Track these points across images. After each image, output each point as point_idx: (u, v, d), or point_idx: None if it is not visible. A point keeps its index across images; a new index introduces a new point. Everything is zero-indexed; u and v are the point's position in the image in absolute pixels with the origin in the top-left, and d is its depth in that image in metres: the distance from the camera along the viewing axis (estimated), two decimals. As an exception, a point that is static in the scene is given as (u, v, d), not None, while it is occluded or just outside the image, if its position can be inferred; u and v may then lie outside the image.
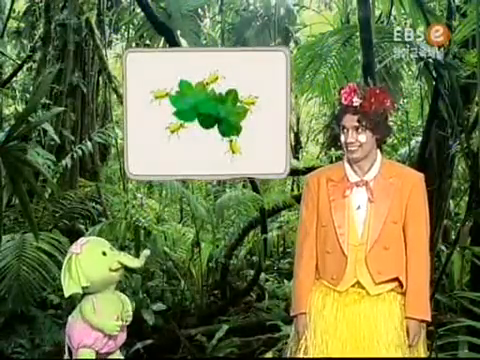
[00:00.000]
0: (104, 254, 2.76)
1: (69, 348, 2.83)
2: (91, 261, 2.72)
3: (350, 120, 2.50)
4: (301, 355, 2.60)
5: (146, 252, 2.87)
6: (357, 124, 2.48)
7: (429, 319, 2.56)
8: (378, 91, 2.54)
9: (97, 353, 2.78)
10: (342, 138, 2.54)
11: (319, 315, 2.57)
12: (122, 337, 2.86)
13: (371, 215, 2.53)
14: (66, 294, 2.72)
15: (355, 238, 2.54)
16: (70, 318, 2.84)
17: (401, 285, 2.56)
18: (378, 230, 2.51)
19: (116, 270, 2.76)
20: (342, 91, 2.54)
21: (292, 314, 2.68)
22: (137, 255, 6.15)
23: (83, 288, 2.70)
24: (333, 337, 2.52)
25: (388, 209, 2.53)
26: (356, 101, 2.49)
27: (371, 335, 2.50)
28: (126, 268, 2.85)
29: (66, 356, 2.85)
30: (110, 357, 2.86)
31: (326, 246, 2.58)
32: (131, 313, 2.86)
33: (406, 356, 2.52)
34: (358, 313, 2.53)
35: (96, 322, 2.71)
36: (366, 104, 2.48)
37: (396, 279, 2.55)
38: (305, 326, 2.59)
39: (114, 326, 2.71)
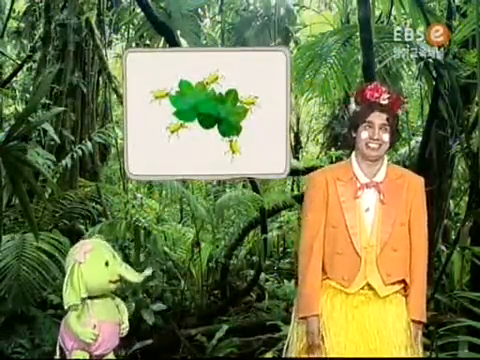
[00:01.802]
0: (107, 264, 2.76)
1: (61, 348, 2.84)
2: (93, 272, 2.75)
3: (379, 118, 2.49)
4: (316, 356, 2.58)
5: (148, 272, 2.89)
6: (385, 122, 2.48)
7: (426, 321, 2.58)
8: (397, 95, 2.55)
9: (91, 355, 2.78)
10: (363, 134, 2.51)
11: (329, 317, 2.56)
12: (117, 340, 2.86)
13: (381, 217, 2.53)
14: (66, 305, 2.74)
15: (365, 240, 2.53)
16: (64, 320, 2.85)
17: (404, 287, 2.57)
18: (388, 232, 2.52)
19: (115, 282, 2.78)
20: (367, 88, 2.52)
21: (301, 315, 2.61)
22: (137, 255, 6.18)
23: (82, 299, 2.72)
24: (345, 339, 2.52)
25: (397, 211, 2.54)
26: (384, 99, 2.48)
27: (381, 336, 2.51)
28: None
29: (57, 356, 2.85)
30: (104, 359, 2.87)
31: (336, 247, 2.56)
32: (127, 324, 2.88)
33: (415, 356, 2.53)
34: (368, 315, 2.53)
35: (74, 328, 2.72)
36: (394, 104, 2.50)
37: (402, 281, 2.56)
38: (318, 328, 2.55)
39: (89, 334, 2.71)
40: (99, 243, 3.03)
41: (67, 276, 2.75)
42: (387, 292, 2.54)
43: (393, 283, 2.54)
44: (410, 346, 2.52)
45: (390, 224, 2.52)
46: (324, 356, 2.55)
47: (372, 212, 2.54)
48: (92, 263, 2.75)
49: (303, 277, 2.63)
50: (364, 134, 2.51)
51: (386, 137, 2.50)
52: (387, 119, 2.48)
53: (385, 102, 2.48)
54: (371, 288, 2.54)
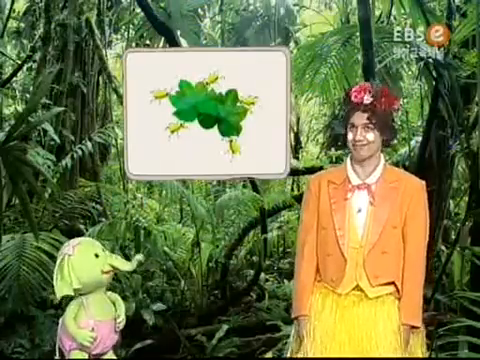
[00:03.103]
0: (96, 256, 2.76)
1: (60, 349, 2.84)
2: (83, 263, 2.73)
3: (360, 118, 2.47)
4: (302, 356, 2.59)
5: (139, 257, 2.89)
6: (367, 122, 2.46)
7: (419, 325, 2.54)
8: (388, 91, 2.52)
9: (89, 355, 2.78)
10: (350, 136, 2.51)
11: (318, 317, 2.57)
12: (115, 338, 2.86)
13: (371, 218, 2.52)
14: (58, 296, 2.74)
15: (356, 241, 2.52)
16: (61, 320, 2.84)
17: (397, 289, 2.56)
18: (377, 234, 2.50)
19: (107, 272, 2.77)
20: (353, 89, 2.52)
21: (293, 316, 2.66)
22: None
23: (74, 290, 2.71)
24: (332, 339, 2.52)
25: (388, 213, 2.52)
26: (367, 99, 2.47)
27: (369, 337, 2.49)
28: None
29: (57, 356, 2.86)
30: (103, 357, 2.86)
31: (327, 248, 2.57)
32: (123, 317, 2.87)
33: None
34: (357, 315, 2.52)
35: (71, 330, 2.72)
36: (377, 102, 2.47)
37: (393, 283, 2.55)
38: (306, 328, 2.58)
39: (87, 336, 2.70)
40: (87, 239, 3.05)
41: (56, 269, 2.74)
42: (377, 294, 2.53)
43: (382, 285, 2.53)
44: (398, 348, 2.49)
45: (380, 226, 2.51)
46: (308, 352, 2.55)
47: (364, 213, 2.54)
48: (82, 255, 2.74)
49: (296, 278, 2.67)
50: (349, 136, 2.52)
51: (371, 136, 2.47)
52: (368, 118, 2.46)
53: (368, 102, 2.47)
54: (361, 289, 2.54)
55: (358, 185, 2.56)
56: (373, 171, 2.56)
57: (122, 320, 2.86)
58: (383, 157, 2.62)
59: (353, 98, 2.50)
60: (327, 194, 2.59)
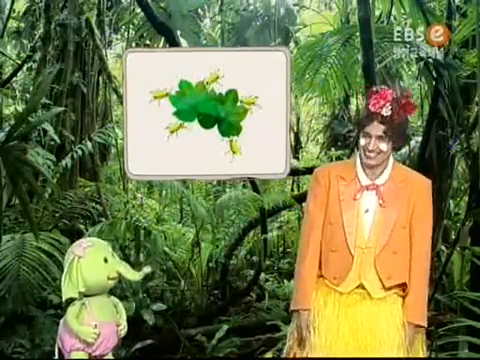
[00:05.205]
0: (106, 261, 2.77)
1: (59, 350, 2.83)
2: (92, 267, 2.74)
3: (376, 129, 2.44)
4: (304, 353, 2.59)
5: (147, 269, 2.88)
6: (382, 134, 2.44)
7: (425, 325, 2.55)
8: (405, 101, 2.49)
9: (90, 356, 2.78)
10: (362, 142, 2.49)
11: (320, 314, 2.57)
12: (115, 341, 2.86)
13: (381, 219, 2.52)
14: (64, 297, 2.74)
15: (362, 241, 2.52)
16: (62, 321, 2.84)
17: (403, 289, 2.55)
18: (387, 235, 2.50)
19: (113, 279, 2.78)
20: (372, 96, 2.46)
21: (293, 308, 2.64)
22: (137, 255, 6.18)
23: (79, 293, 2.72)
24: (336, 337, 2.52)
25: (397, 214, 2.52)
26: (386, 112, 2.43)
27: (373, 335, 2.50)
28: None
29: (56, 357, 2.85)
30: (103, 359, 2.86)
31: (331, 244, 2.56)
32: (125, 324, 2.88)
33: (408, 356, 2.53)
34: (360, 313, 2.52)
35: (74, 327, 2.72)
36: (395, 116, 2.43)
37: (402, 283, 2.54)
38: (307, 322, 2.57)
39: (90, 333, 2.70)
40: (98, 241, 3.04)
41: (66, 270, 2.74)
42: (382, 295, 2.53)
43: (393, 286, 2.53)
44: (401, 346, 2.50)
45: (390, 226, 2.51)
46: (311, 349, 2.55)
47: (371, 214, 2.54)
48: (91, 258, 2.75)
49: (298, 271, 2.65)
50: (362, 141, 2.51)
51: (384, 147, 2.46)
52: (385, 131, 2.43)
53: (387, 113, 2.42)
54: (364, 288, 2.54)
55: (367, 185, 2.55)
56: (382, 172, 2.56)
57: (124, 327, 2.87)
58: (392, 157, 2.60)
59: (371, 106, 2.44)
60: (337, 190, 2.57)
